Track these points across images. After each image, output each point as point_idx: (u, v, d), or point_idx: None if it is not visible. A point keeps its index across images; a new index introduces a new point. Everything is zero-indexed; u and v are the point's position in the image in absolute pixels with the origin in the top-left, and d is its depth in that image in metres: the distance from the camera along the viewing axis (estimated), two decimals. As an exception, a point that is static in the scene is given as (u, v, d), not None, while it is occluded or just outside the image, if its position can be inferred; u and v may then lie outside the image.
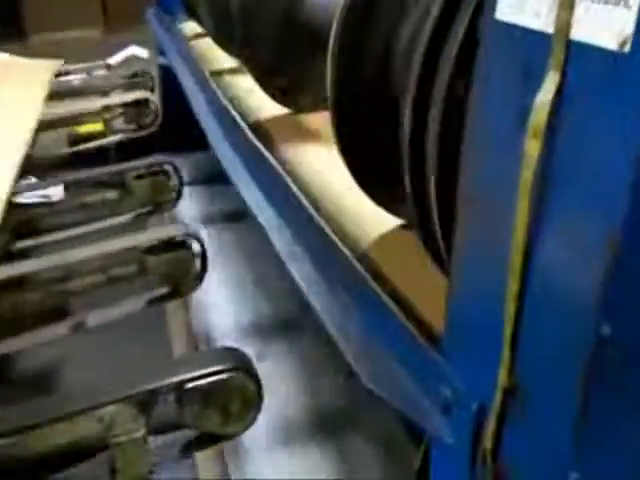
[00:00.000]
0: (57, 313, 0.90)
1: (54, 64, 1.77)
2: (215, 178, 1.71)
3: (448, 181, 0.44)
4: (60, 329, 0.86)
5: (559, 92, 0.33)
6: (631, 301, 0.32)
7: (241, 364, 0.62)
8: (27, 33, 3.37)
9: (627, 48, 0.29)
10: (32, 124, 1.25)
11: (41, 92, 1.49)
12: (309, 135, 0.88)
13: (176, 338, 1.28)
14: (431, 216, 0.48)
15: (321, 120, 0.85)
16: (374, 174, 0.58)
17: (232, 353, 0.64)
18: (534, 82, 0.34)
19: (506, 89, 0.37)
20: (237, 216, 1.68)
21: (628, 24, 0.29)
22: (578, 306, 0.33)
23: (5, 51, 2.09)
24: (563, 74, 0.33)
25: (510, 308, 0.37)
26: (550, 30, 0.33)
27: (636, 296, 0.32)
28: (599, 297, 0.32)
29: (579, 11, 0.32)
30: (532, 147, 0.34)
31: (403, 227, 0.61)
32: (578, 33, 0.32)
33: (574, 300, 0.34)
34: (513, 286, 0.37)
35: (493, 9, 0.37)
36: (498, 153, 0.38)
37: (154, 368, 0.64)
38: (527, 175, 0.35)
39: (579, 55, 0.32)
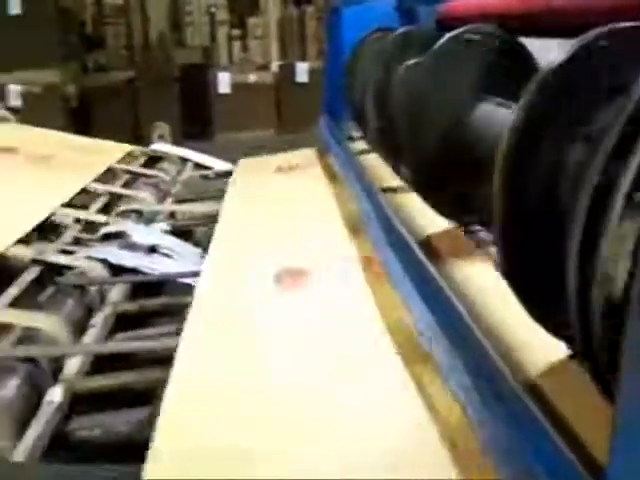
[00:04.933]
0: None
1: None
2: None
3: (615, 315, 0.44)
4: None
5: None
6: None
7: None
8: (214, 133, 3.81)
9: None
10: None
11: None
12: (475, 251, 0.91)
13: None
14: (597, 346, 0.48)
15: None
16: (539, 298, 0.59)
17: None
18: None
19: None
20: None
21: None
22: None
23: (194, 147, 2.36)
24: None
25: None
26: None
27: None
28: None
29: None
30: None
31: (571, 357, 0.60)
32: None
33: None
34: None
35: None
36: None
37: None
38: None
39: None
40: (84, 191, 1.61)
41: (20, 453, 0.75)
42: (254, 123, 3.89)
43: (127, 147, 2.02)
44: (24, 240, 1.26)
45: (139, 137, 3.20)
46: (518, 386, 0.56)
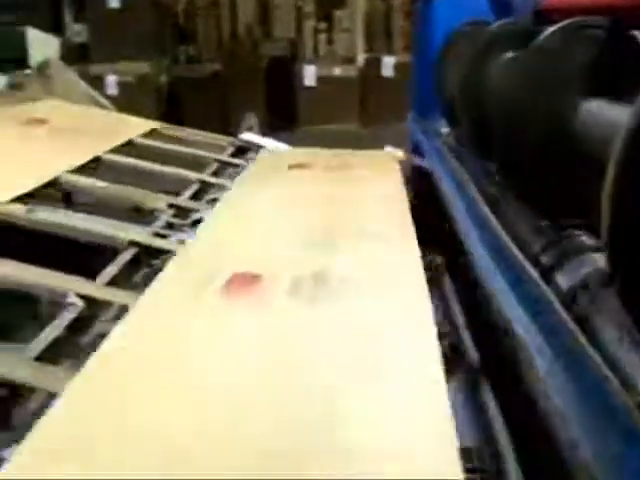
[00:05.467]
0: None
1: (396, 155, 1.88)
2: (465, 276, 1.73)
3: None
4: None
5: None
6: None
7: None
8: (298, 125, 3.86)
9: None
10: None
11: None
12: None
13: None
14: None
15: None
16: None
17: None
18: None
19: None
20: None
21: None
22: None
23: (279, 139, 2.39)
24: None
25: None
26: None
27: None
28: None
29: None
30: None
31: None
32: None
33: None
34: None
35: None
36: None
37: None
38: None
39: None
40: (181, 180, 1.67)
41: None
42: (338, 116, 3.90)
43: (152, 124, 2.05)
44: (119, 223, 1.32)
45: (227, 127, 3.27)
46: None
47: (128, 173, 1.65)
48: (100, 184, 1.43)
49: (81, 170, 1.47)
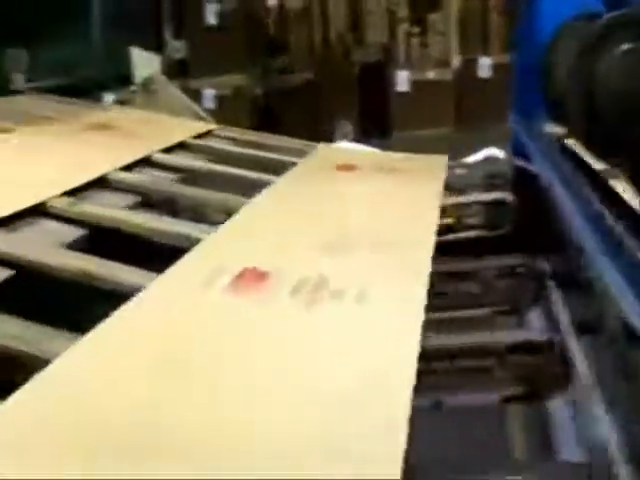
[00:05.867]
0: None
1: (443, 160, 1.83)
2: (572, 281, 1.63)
3: None
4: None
5: None
6: None
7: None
8: (391, 131, 3.83)
9: None
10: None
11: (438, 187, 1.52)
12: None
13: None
14: None
15: None
16: None
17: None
18: None
19: None
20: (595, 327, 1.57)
21: None
22: None
23: (373, 145, 2.36)
24: None
25: None
26: None
27: None
28: None
29: None
30: None
31: None
32: None
33: None
34: None
35: None
36: None
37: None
38: None
39: None
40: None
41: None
42: (432, 121, 3.83)
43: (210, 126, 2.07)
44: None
45: (322, 135, 3.29)
46: None
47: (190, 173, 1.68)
48: (148, 179, 1.47)
49: (130, 168, 1.50)
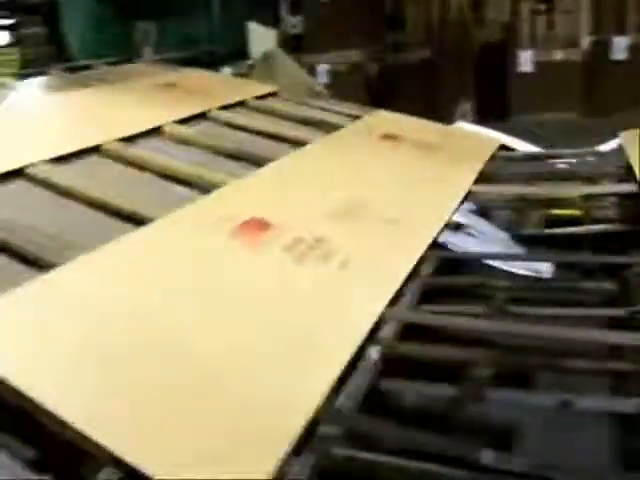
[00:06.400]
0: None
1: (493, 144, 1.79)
2: None
3: None
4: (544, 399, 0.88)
5: None
6: None
7: None
8: (511, 114, 3.67)
9: None
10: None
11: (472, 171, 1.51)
12: None
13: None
14: None
15: None
16: None
17: None
18: None
19: None
20: None
21: None
22: None
23: (491, 127, 2.26)
24: None
25: None
26: None
27: None
28: None
29: None
30: None
31: None
32: None
33: None
34: None
35: None
36: None
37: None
38: None
39: None
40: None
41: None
42: (556, 105, 3.61)
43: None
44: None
45: (437, 114, 3.19)
46: None
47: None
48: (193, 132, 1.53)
49: (186, 121, 1.61)
